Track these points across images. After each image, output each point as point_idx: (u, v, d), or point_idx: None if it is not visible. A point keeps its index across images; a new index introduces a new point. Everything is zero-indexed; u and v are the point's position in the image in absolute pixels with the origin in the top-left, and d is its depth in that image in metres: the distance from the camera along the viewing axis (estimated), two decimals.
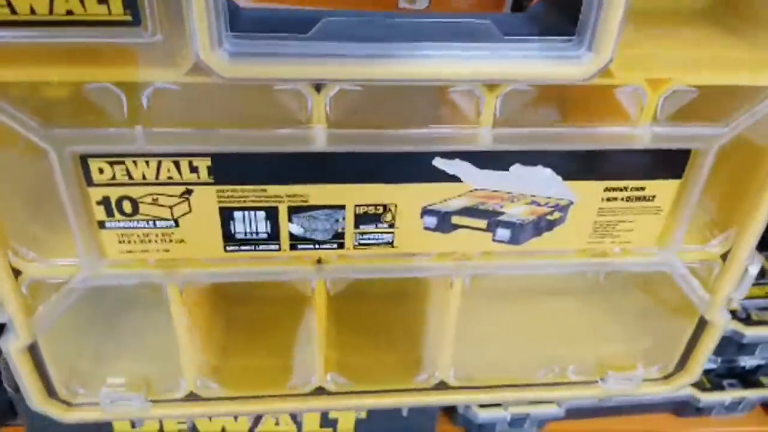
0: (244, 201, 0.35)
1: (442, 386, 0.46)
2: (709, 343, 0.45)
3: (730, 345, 0.56)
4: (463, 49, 0.31)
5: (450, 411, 0.56)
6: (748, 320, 0.55)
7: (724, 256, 0.41)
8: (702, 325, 0.44)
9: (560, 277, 0.51)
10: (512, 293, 0.51)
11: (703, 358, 0.46)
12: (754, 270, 0.40)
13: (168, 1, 0.27)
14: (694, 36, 0.36)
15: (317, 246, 0.37)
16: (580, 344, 0.48)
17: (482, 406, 0.53)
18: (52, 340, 0.40)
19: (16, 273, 0.36)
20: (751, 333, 0.55)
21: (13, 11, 0.27)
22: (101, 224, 0.35)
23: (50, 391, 0.42)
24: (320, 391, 0.45)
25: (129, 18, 0.28)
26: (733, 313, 0.55)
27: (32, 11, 0.27)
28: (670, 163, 0.36)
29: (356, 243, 0.37)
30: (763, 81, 0.34)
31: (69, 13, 0.27)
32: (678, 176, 0.37)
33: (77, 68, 0.29)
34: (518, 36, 0.31)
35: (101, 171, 0.33)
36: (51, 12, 0.27)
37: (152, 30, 0.28)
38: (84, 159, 0.32)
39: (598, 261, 0.40)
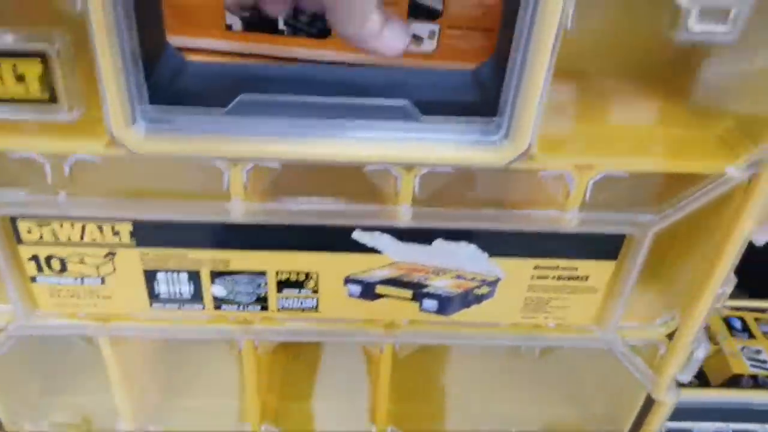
0: (167, 263, 0.36)
1: None
2: (658, 420, 0.44)
3: None
4: (377, 129, 0.31)
5: None
6: None
7: (670, 335, 0.41)
8: (649, 402, 0.44)
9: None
10: (456, 352, 0.51)
11: None
12: (700, 354, 0.40)
13: (84, 80, 0.29)
14: (631, 108, 0.35)
15: (241, 308, 0.38)
16: (526, 410, 0.48)
17: None
18: None
19: None
20: None
21: None
22: (32, 278, 0.37)
23: None
24: None
25: (46, 97, 0.29)
26: None
27: None
28: (603, 245, 0.36)
29: (279, 306, 0.38)
30: (698, 168, 0.33)
31: None
32: (612, 257, 0.37)
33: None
34: (437, 116, 0.31)
35: (29, 231, 0.35)
36: None
37: (69, 107, 0.30)
38: (13, 220, 0.34)
39: (531, 336, 0.40)
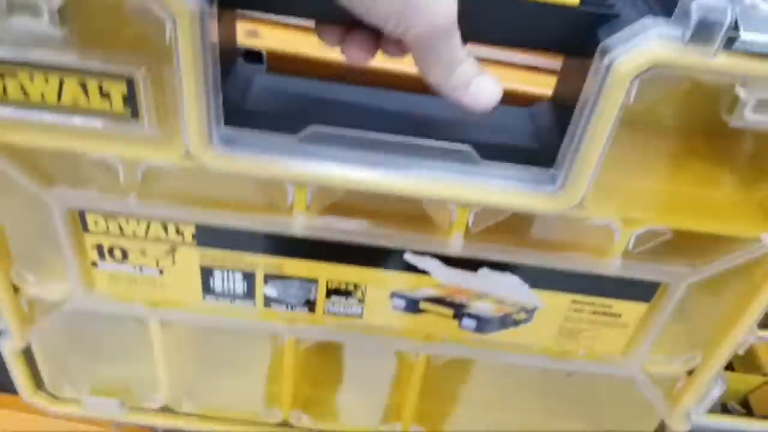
0: (224, 263, 0.39)
1: None
2: None
3: None
4: (439, 170, 0.34)
5: None
6: None
7: (689, 371, 0.44)
8: (661, 429, 0.48)
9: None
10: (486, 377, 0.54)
11: None
12: (715, 393, 0.43)
13: (164, 100, 0.32)
14: (676, 166, 0.38)
15: (289, 308, 0.42)
16: (541, 423, 0.52)
17: None
18: (47, 344, 0.47)
19: (15, 289, 0.42)
20: None
21: (26, 94, 0.31)
22: (94, 263, 0.40)
23: (39, 385, 0.49)
24: (285, 424, 0.51)
25: (128, 112, 0.32)
26: None
27: (42, 97, 0.31)
28: (639, 288, 0.39)
29: (327, 311, 0.42)
30: (736, 231, 0.36)
31: (74, 102, 0.31)
32: (646, 300, 0.40)
33: (80, 142, 0.34)
34: (496, 162, 0.34)
35: (96, 223, 0.38)
36: (59, 99, 0.31)
37: (148, 123, 0.32)
38: (82, 212, 0.37)
39: (561, 360, 0.43)
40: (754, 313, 0.39)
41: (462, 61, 0.30)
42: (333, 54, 0.39)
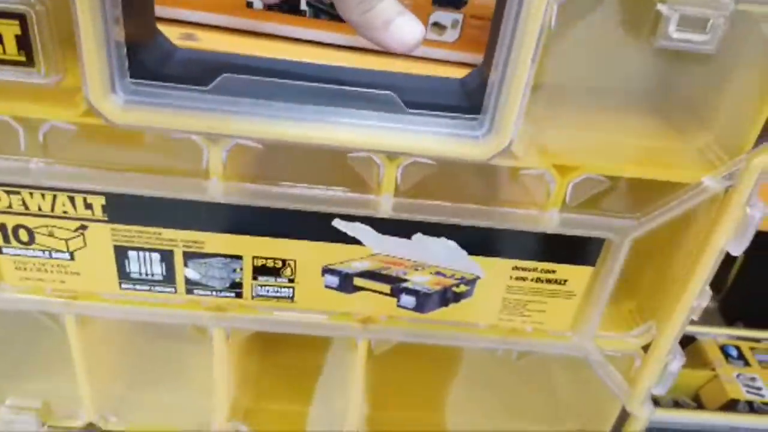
0: (139, 241, 0.36)
1: None
2: None
3: None
4: (362, 118, 0.32)
5: None
6: None
7: (645, 348, 0.41)
8: (624, 416, 0.45)
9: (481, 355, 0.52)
10: (432, 367, 0.52)
11: None
12: (674, 367, 0.40)
13: (62, 45, 0.30)
14: (617, 120, 0.37)
15: (214, 293, 0.39)
16: (499, 419, 0.48)
17: None
18: None
19: None
20: None
21: None
22: None
23: None
24: None
25: (23, 58, 0.30)
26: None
27: None
28: (581, 249, 0.37)
29: (254, 294, 0.39)
30: (676, 176, 0.34)
31: None
32: (591, 263, 0.37)
33: None
34: (422, 110, 0.32)
35: None
36: None
37: (46, 71, 0.30)
38: None
39: (508, 339, 0.40)
40: (705, 270, 0.36)
41: (379, 1, 0.29)
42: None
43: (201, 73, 0.32)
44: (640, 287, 0.41)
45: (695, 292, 0.37)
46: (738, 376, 0.54)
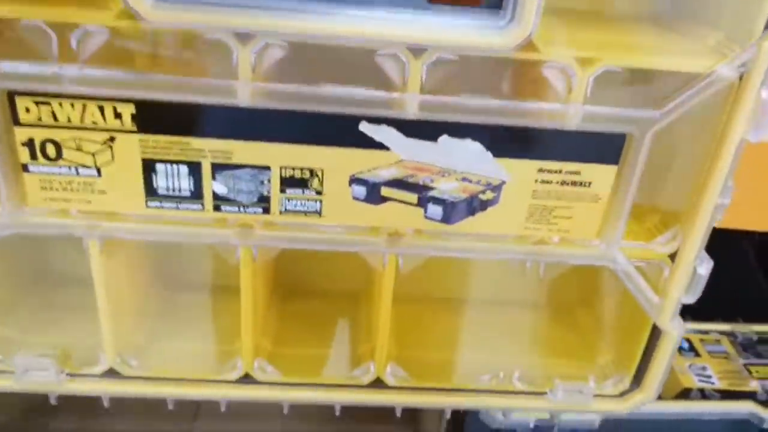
0: (167, 153, 0.36)
1: (378, 384, 0.46)
2: (664, 355, 0.44)
3: (748, 429, 0.54)
4: (388, 12, 0.33)
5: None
6: None
7: (672, 257, 0.41)
8: (656, 335, 0.44)
9: (506, 283, 0.52)
10: (458, 301, 0.51)
11: (660, 374, 0.45)
12: (703, 270, 0.40)
13: None
14: (631, 29, 0.38)
15: (241, 209, 0.38)
16: (529, 352, 0.48)
17: None
18: None
19: None
20: None
21: None
22: (25, 167, 0.36)
23: None
24: (247, 379, 0.45)
25: None
26: (753, 395, 0.56)
27: None
28: (605, 147, 0.37)
29: (282, 209, 0.38)
30: (694, 67, 0.35)
31: None
32: (614, 162, 0.38)
33: (9, 4, 0.32)
34: (444, 4, 0.33)
35: (27, 110, 0.35)
36: None
37: None
38: (11, 96, 0.34)
39: (535, 249, 0.40)
40: (726, 163, 0.37)
41: None
42: None
43: None
44: (663, 197, 0.42)
45: (718, 187, 0.38)
46: (690, 366, 0.59)
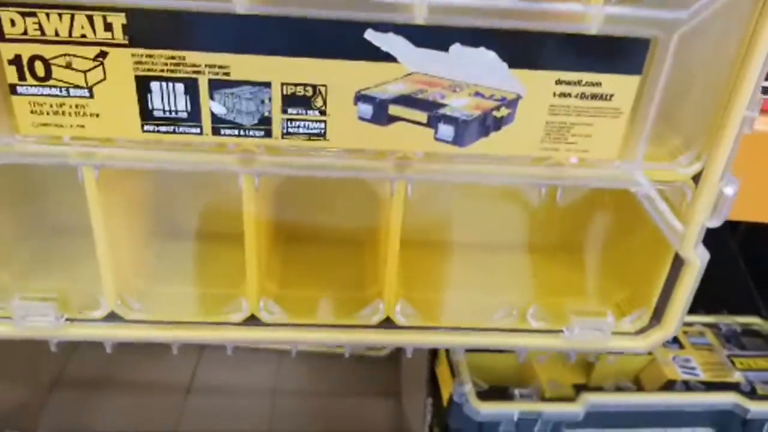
0: (162, 70, 0.34)
1: (387, 324, 0.44)
2: (686, 287, 0.42)
3: (732, 420, 0.54)
4: None
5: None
6: (752, 394, 0.54)
7: (695, 179, 0.39)
8: (678, 265, 0.42)
9: (518, 225, 0.50)
10: (468, 245, 0.49)
11: (681, 308, 0.43)
12: (730, 191, 0.38)
13: None
14: None
15: (242, 132, 0.36)
16: (543, 289, 0.46)
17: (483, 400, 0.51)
18: None
19: None
20: (756, 408, 0.54)
21: None
22: (13, 89, 0.34)
23: None
24: (253, 320, 0.43)
25: None
26: (736, 386, 0.56)
27: None
28: (627, 54, 0.35)
29: (284, 131, 0.36)
30: None
31: None
32: (637, 72, 0.35)
33: None
34: None
35: (13, 23, 0.32)
36: None
37: None
38: None
39: (552, 172, 0.38)
40: (755, 70, 0.34)
41: None
42: None
43: None
44: (684, 116, 0.39)
45: (747, 97, 0.35)
46: (674, 358, 0.59)
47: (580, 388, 0.54)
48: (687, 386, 0.56)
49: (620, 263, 0.47)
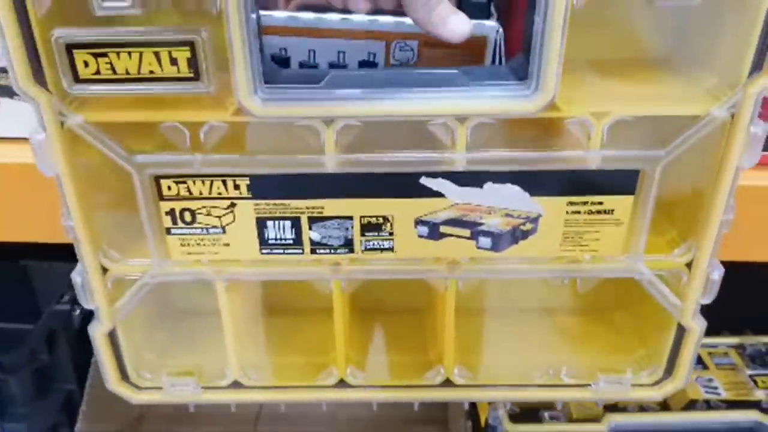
0: (275, 212, 0.46)
1: (447, 384, 0.54)
2: (690, 348, 0.50)
3: None
4: (437, 92, 0.41)
5: None
6: None
7: (689, 265, 0.48)
8: (681, 331, 0.50)
9: (550, 295, 0.59)
10: (509, 311, 0.59)
11: (688, 364, 0.51)
12: (716, 276, 0.47)
13: (219, 62, 0.40)
14: (637, 76, 0.45)
15: (332, 251, 0.47)
16: (573, 351, 0.55)
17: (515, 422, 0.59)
18: (128, 330, 0.52)
19: (104, 270, 0.48)
20: None
21: (114, 71, 0.40)
22: (168, 230, 0.47)
23: (123, 375, 0.54)
24: (342, 384, 0.54)
25: (192, 75, 0.40)
26: (758, 404, 0.58)
27: (126, 71, 0.40)
28: (622, 181, 0.44)
29: (363, 248, 0.47)
30: (692, 111, 0.42)
31: (151, 72, 0.40)
32: (631, 192, 0.45)
33: (155, 111, 0.42)
34: (481, 81, 0.41)
35: (169, 188, 0.45)
36: (139, 72, 0.40)
37: (207, 83, 0.40)
38: (157, 179, 0.45)
39: (571, 267, 0.48)
40: (726, 186, 0.43)
41: (439, 3, 0.39)
42: None
43: (314, 74, 0.42)
44: (678, 216, 0.48)
45: (722, 207, 0.44)
46: (697, 378, 0.61)
47: (607, 408, 0.59)
48: (708, 405, 0.58)
49: (637, 327, 0.56)
